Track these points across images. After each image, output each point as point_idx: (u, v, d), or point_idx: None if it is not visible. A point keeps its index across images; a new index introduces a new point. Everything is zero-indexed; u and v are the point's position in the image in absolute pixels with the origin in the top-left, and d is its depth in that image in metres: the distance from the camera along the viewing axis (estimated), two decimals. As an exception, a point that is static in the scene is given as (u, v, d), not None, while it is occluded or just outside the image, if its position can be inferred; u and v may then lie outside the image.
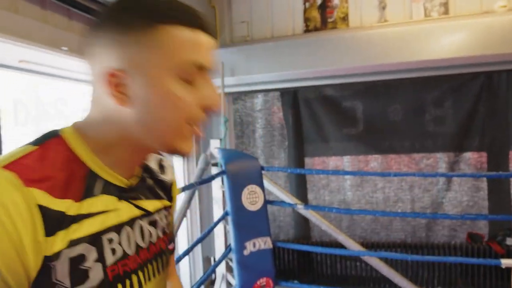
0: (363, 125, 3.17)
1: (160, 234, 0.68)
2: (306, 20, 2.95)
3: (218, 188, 2.67)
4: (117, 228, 0.58)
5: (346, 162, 3.28)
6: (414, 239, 3.14)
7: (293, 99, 3.26)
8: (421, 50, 2.51)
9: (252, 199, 2.30)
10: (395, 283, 2.48)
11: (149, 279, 0.63)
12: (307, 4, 2.94)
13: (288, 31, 2.98)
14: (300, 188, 3.32)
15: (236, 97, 3.36)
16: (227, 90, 2.87)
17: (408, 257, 2.47)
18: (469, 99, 2.94)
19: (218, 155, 2.48)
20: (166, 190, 0.74)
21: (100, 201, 0.56)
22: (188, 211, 2.74)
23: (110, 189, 0.58)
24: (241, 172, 2.33)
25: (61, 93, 2.23)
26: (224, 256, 2.41)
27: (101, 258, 0.54)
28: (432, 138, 3.06)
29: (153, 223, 0.67)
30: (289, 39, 2.86)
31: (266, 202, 2.37)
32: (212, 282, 2.88)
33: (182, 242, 3.08)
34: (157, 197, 0.70)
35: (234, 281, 2.37)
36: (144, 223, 0.64)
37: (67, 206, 0.51)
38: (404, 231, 3.18)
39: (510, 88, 2.90)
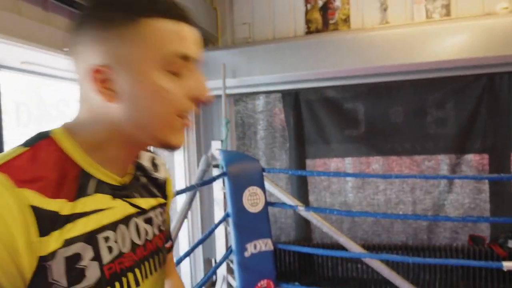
0: (364, 127, 3.16)
1: (156, 232, 0.68)
2: (308, 21, 2.96)
3: (219, 190, 2.67)
4: (113, 226, 0.58)
5: (347, 164, 3.28)
6: (416, 241, 3.13)
7: (294, 100, 3.26)
8: (423, 52, 2.51)
9: (253, 200, 2.30)
10: (396, 286, 2.47)
11: (146, 276, 0.64)
12: (309, 6, 2.95)
13: (290, 33, 2.99)
14: (301, 190, 3.31)
15: (237, 98, 3.37)
16: (228, 91, 2.87)
17: (410, 260, 2.46)
18: (471, 101, 2.94)
19: (219, 157, 2.48)
20: (160, 187, 0.74)
21: (94, 200, 0.56)
22: (189, 212, 2.73)
23: (103, 187, 0.58)
24: (242, 174, 2.32)
25: (63, 94, 2.24)
26: (225, 257, 2.40)
27: (97, 257, 0.54)
28: (434, 140, 3.05)
29: (149, 221, 0.67)
30: (291, 41, 2.87)
31: (267, 203, 2.37)
32: (213, 284, 2.88)
33: (183, 243, 3.08)
34: (152, 194, 0.71)
35: (235, 283, 2.37)
36: (139, 220, 0.64)
37: (61, 206, 0.51)
38: (405, 233, 3.17)
39: (512, 90, 2.89)
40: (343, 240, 2.51)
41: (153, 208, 0.69)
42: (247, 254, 2.25)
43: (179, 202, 2.66)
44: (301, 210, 2.51)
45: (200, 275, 3.22)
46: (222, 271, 2.67)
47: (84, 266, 0.53)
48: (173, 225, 2.20)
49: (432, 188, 3.09)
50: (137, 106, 0.55)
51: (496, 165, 2.96)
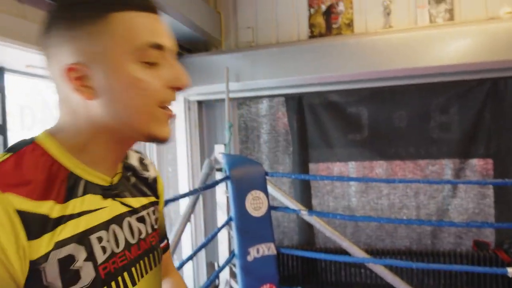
0: (368, 131, 3.16)
1: (150, 230, 0.68)
2: (311, 26, 2.96)
3: (222, 194, 2.67)
4: (106, 226, 0.58)
5: (351, 168, 3.27)
6: (420, 246, 3.11)
7: (298, 104, 3.26)
8: (426, 56, 2.51)
9: (256, 204, 2.29)
10: (400, 291, 2.45)
11: (142, 275, 0.63)
12: (312, 10, 2.96)
13: (293, 37, 2.99)
14: (304, 194, 3.30)
15: (241, 102, 3.37)
16: (232, 95, 2.88)
17: (413, 265, 2.44)
18: (475, 106, 2.93)
19: (222, 160, 2.48)
20: (150, 186, 0.74)
21: (84, 201, 0.56)
22: (192, 216, 2.73)
23: (93, 188, 0.58)
24: (245, 178, 2.32)
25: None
26: (228, 261, 2.40)
27: (91, 257, 0.54)
28: (438, 145, 3.04)
29: (141, 220, 0.67)
30: (294, 45, 2.87)
31: (270, 207, 2.36)
32: (216, 288, 2.87)
33: (186, 247, 3.09)
34: (143, 193, 0.71)
35: (237, 287, 2.36)
36: (132, 220, 0.64)
37: (50, 208, 0.51)
38: (409, 238, 3.15)
39: (517, 95, 2.88)
40: (346, 244, 2.50)
41: (145, 207, 0.69)
42: (250, 258, 2.24)
43: (182, 205, 2.66)
44: (304, 214, 2.50)
45: (203, 279, 3.21)
46: (225, 275, 2.66)
47: (79, 267, 0.52)
48: (176, 228, 2.20)
49: (436, 192, 3.08)
50: (116, 100, 0.55)
51: (500, 170, 2.94)
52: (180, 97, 3.15)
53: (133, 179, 0.70)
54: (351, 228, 3.25)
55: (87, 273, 0.53)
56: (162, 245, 0.77)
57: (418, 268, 2.91)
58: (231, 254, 2.37)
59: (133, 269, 0.61)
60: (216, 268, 3.05)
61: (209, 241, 2.18)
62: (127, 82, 0.54)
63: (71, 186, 0.55)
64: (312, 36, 2.96)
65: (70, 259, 0.52)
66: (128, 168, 0.70)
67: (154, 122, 0.58)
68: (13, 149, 0.54)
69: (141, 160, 0.76)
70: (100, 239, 0.56)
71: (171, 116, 0.60)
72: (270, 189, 2.44)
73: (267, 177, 2.41)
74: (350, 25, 2.88)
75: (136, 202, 0.67)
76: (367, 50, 2.62)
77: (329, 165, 3.32)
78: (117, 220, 0.61)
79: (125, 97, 0.55)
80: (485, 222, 2.97)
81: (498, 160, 2.96)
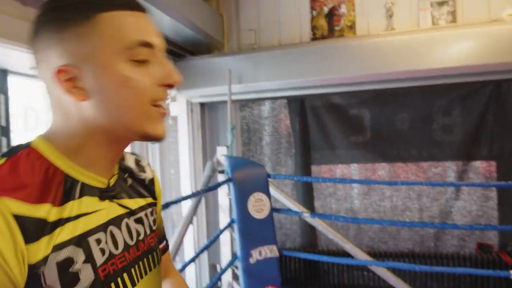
0: (370, 133, 3.15)
1: (148, 231, 0.69)
2: (313, 28, 2.97)
3: (224, 196, 2.67)
4: (103, 228, 0.58)
5: (353, 170, 3.27)
6: (422, 249, 3.10)
7: (300, 106, 3.26)
8: (429, 59, 2.50)
9: (258, 206, 2.29)
10: (402, 294, 2.44)
11: (141, 276, 0.63)
12: (314, 12, 2.96)
13: (295, 39, 3.00)
14: (306, 196, 3.30)
15: (243, 104, 3.38)
16: (234, 97, 2.88)
17: (416, 267, 2.42)
18: (477, 108, 2.92)
19: (224, 162, 2.48)
20: (147, 187, 0.74)
21: (81, 204, 0.56)
22: (195, 218, 2.74)
23: (90, 190, 0.58)
24: (247, 180, 2.32)
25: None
26: (230, 264, 2.40)
27: (90, 259, 0.54)
28: (440, 147, 3.03)
29: (139, 221, 0.67)
30: (296, 47, 2.88)
31: (273, 210, 2.36)
32: (218, 290, 2.87)
33: (188, 249, 3.08)
34: (140, 195, 0.71)
35: (239, 289, 2.36)
36: (130, 221, 0.64)
37: (47, 211, 0.51)
38: (412, 240, 3.14)
39: (520, 97, 2.87)
40: (348, 247, 2.49)
41: (143, 208, 0.69)
42: (252, 260, 2.24)
43: (185, 207, 2.66)
44: (307, 216, 2.50)
45: (205, 281, 3.21)
46: (227, 277, 2.66)
47: (78, 269, 0.52)
48: (178, 230, 2.20)
49: (439, 195, 3.07)
50: (107, 100, 0.55)
51: (503, 172, 2.93)
52: (182, 99, 3.15)
53: (130, 181, 0.70)
54: (353, 230, 3.24)
55: (86, 275, 0.53)
56: (161, 246, 0.78)
57: (421, 270, 2.90)
58: (234, 256, 2.37)
59: (132, 270, 0.61)
60: (219, 270, 3.05)
61: (212, 243, 2.18)
62: (118, 81, 0.54)
63: (67, 189, 0.55)
64: (314, 38, 2.97)
65: (68, 261, 0.51)
66: (124, 169, 0.70)
67: (147, 121, 0.57)
68: (8, 154, 0.54)
69: (138, 162, 0.76)
70: (98, 241, 0.56)
71: (165, 114, 0.59)
72: (272, 191, 2.44)
73: (269, 179, 2.41)
74: (352, 27, 2.88)
75: (134, 203, 0.67)
76: (370, 52, 2.62)
77: (331, 167, 3.32)
78: (115, 221, 0.61)
79: (117, 96, 0.55)
80: (489, 224, 2.96)
81: (501, 162, 2.95)
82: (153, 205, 0.74)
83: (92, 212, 0.57)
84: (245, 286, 2.24)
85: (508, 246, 2.89)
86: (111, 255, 0.58)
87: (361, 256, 2.48)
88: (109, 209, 0.60)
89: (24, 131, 1.97)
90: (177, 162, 3.22)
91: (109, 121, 0.56)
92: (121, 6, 0.55)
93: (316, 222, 2.55)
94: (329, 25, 2.93)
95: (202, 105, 3.37)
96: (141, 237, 0.66)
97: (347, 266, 3.14)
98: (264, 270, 2.27)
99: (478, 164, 2.99)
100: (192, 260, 2.03)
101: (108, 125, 0.57)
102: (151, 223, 0.71)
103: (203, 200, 2.85)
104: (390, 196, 3.16)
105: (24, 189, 0.50)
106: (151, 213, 0.72)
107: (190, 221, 2.30)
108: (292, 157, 3.34)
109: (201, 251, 2.18)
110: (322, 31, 2.95)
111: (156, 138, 0.59)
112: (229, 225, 2.41)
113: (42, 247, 0.49)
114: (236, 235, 2.27)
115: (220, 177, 2.61)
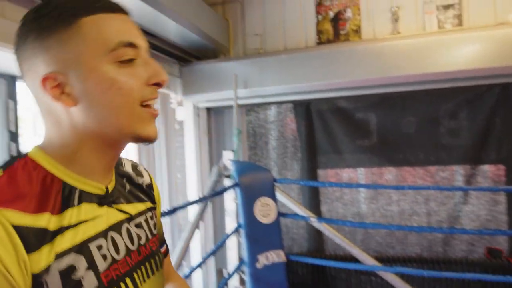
0: (376, 137, 3.14)
1: (149, 236, 0.69)
2: (319, 32, 2.97)
3: (231, 200, 2.67)
4: (104, 234, 0.58)
5: (360, 174, 3.25)
6: (431, 254, 3.07)
7: (306, 110, 3.26)
8: (435, 62, 2.49)
9: (264, 211, 2.29)
10: (411, 299, 2.42)
11: (144, 280, 0.64)
12: (320, 17, 2.97)
13: (301, 44, 3.01)
14: (313, 200, 3.29)
15: (249, 108, 3.38)
16: (240, 102, 2.89)
17: (425, 273, 2.40)
18: (484, 111, 2.90)
19: (231, 167, 2.49)
20: (146, 192, 0.74)
21: (80, 211, 0.56)
22: (201, 223, 2.74)
23: (88, 197, 0.58)
24: (253, 184, 2.32)
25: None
26: (237, 268, 2.39)
27: (92, 266, 0.54)
28: (448, 151, 3.01)
29: (140, 226, 0.67)
30: (302, 52, 2.88)
31: (279, 214, 2.35)
32: (225, 295, 2.86)
33: (195, 254, 3.08)
34: (139, 199, 0.71)
35: (246, 294, 2.35)
36: (130, 226, 0.64)
37: (46, 220, 0.51)
38: (420, 245, 3.11)
39: (527, 100, 2.85)
40: (356, 252, 2.47)
41: (142, 212, 0.70)
42: (259, 265, 2.23)
43: (191, 212, 2.67)
44: (314, 221, 2.49)
45: (212, 286, 3.21)
46: (234, 282, 2.65)
47: (80, 276, 0.52)
48: (184, 235, 2.20)
49: (447, 199, 3.04)
50: (96, 103, 0.55)
51: (512, 176, 2.90)
52: (189, 104, 3.17)
53: (128, 186, 0.70)
54: (360, 235, 3.22)
55: (89, 282, 0.53)
56: (161, 250, 0.78)
57: (430, 276, 2.86)
58: (240, 261, 2.37)
59: (135, 274, 0.62)
60: (225, 275, 3.04)
61: (218, 248, 2.18)
62: (104, 84, 0.55)
63: (66, 197, 0.55)
64: (320, 42, 2.97)
65: (71, 269, 0.52)
66: (122, 175, 0.71)
67: (137, 122, 0.57)
68: (5, 166, 0.54)
69: (135, 167, 0.76)
70: (99, 247, 0.56)
71: (156, 114, 0.59)
72: (278, 195, 2.44)
73: (275, 184, 2.41)
74: (358, 31, 2.88)
75: (133, 208, 0.67)
76: (375, 56, 2.61)
77: (338, 171, 3.31)
78: (116, 227, 0.61)
79: (104, 98, 0.55)
80: (498, 229, 2.92)
81: (510, 166, 2.92)
82: (152, 209, 0.74)
83: (92, 219, 0.57)
84: (252, 291, 2.23)
85: (518, 250, 2.85)
86: (113, 261, 0.58)
87: (368, 261, 2.47)
88: (109, 215, 0.61)
89: (33, 136, 1.99)
90: (183, 167, 3.22)
91: (100, 124, 0.56)
92: (103, 9, 0.56)
93: (323, 227, 2.54)
94: (335, 29, 2.93)
95: (208, 109, 3.38)
96: (142, 242, 0.66)
97: (355, 271, 3.11)
98: (271, 275, 2.27)
99: (487, 168, 2.97)
100: (199, 265, 2.03)
101: (99, 129, 0.57)
102: (152, 228, 0.71)
103: (209, 205, 2.85)
104: (398, 200, 3.13)
105: (23, 200, 0.50)
106: (151, 218, 0.72)
107: (196, 226, 2.30)
108: (298, 161, 3.34)
109: (208, 256, 2.18)
110: (328, 35, 2.95)
111: (147, 139, 0.59)
112: (236, 230, 2.41)
113: (43, 256, 0.49)
114: (243, 240, 2.27)
115: (227, 182, 2.61)
